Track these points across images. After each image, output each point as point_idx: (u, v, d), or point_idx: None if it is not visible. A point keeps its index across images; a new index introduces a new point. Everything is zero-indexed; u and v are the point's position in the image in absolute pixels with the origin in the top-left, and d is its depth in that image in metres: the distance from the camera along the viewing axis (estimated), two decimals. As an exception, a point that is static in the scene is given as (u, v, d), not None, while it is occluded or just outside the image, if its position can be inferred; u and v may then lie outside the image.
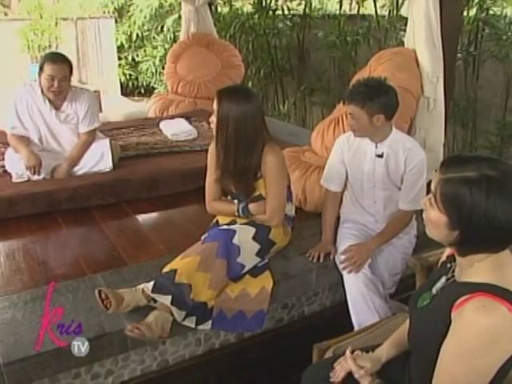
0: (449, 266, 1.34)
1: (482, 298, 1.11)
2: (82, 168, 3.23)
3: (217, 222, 2.40)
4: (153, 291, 1.92)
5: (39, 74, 3.08)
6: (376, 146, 2.25)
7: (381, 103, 2.12)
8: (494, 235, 1.12)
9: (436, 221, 1.19)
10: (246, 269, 2.15)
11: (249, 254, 2.15)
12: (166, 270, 2.03)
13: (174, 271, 1.98)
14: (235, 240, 2.10)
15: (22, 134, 3.15)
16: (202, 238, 2.17)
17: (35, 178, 3.06)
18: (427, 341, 1.26)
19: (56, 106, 3.18)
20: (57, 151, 3.27)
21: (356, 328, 2.15)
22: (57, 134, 3.24)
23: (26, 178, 3.06)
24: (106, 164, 3.25)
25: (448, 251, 1.41)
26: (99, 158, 3.25)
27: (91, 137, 3.30)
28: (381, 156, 2.24)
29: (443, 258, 1.43)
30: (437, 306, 1.27)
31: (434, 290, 1.32)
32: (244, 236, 2.15)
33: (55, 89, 3.05)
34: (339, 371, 1.53)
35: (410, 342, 1.41)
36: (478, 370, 1.14)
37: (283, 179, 2.25)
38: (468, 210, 1.11)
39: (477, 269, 1.19)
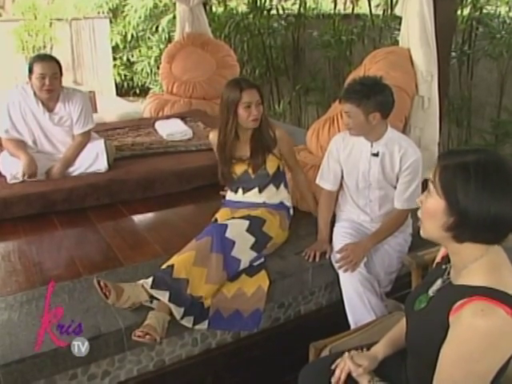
0: (444, 267, 1.34)
1: (479, 302, 1.11)
2: (77, 169, 3.22)
3: (215, 220, 2.42)
4: (152, 287, 1.93)
5: (29, 77, 3.07)
6: (371, 145, 2.26)
7: (377, 101, 2.12)
8: (490, 219, 1.12)
9: (433, 209, 1.19)
10: (243, 264, 2.16)
11: (243, 248, 2.16)
12: (163, 267, 2.05)
13: (172, 266, 2.01)
14: (228, 234, 2.12)
15: (16, 138, 3.14)
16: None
17: (30, 178, 3.05)
18: (425, 344, 1.27)
19: (49, 108, 3.16)
20: (51, 153, 3.26)
21: (352, 327, 2.15)
22: (51, 136, 3.23)
23: (21, 179, 3.05)
24: (101, 164, 3.24)
25: (442, 252, 1.41)
26: (94, 159, 3.24)
27: (86, 138, 3.29)
28: (376, 155, 2.24)
29: (438, 258, 1.44)
30: (434, 309, 1.27)
31: (430, 292, 1.33)
32: (237, 229, 2.17)
33: (47, 87, 3.03)
34: (339, 373, 1.52)
35: (407, 344, 1.42)
36: (478, 373, 1.14)
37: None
38: (465, 192, 1.12)
39: (471, 270, 1.19)
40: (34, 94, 3.10)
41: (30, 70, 3.05)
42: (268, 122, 2.44)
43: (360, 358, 1.52)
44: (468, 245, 1.18)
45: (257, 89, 2.34)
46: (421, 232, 1.27)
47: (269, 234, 2.29)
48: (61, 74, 3.14)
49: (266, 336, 2.29)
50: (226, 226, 2.17)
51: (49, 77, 3.02)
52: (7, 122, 3.11)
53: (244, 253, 2.16)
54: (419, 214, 1.27)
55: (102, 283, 1.91)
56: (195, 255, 2.05)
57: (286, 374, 2.08)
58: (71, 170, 3.22)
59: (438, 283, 1.32)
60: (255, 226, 2.24)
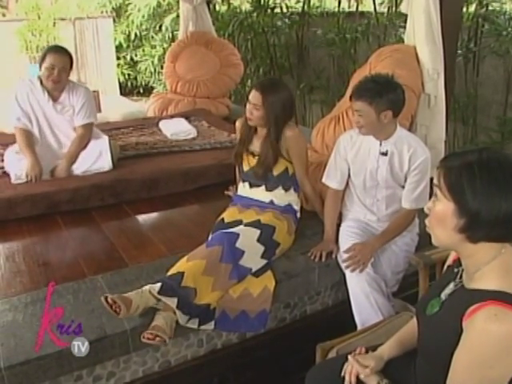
0: (456, 270, 1.32)
1: (493, 307, 1.09)
2: (80, 166, 3.22)
3: (222, 220, 2.41)
4: (159, 293, 1.91)
5: (40, 65, 3.15)
6: (380, 144, 2.24)
7: (389, 100, 2.10)
8: (503, 215, 1.10)
9: (443, 213, 1.17)
10: (253, 271, 2.16)
11: (253, 257, 2.15)
12: (172, 272, 2.03)
13: (182, 274, 1.98)
14: (238, 244, 2.11)
15: (27, 129, 3.18)
16: (208, 239, 2.20)
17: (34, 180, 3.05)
18: (438, 348, 1.25)
19: (54, 98, 3.22)
20: (54, 148, 3.28)
21: (359, 327, 2.14)
22: (53, 125, 3.26)
23: (25, 180, 3.05)
24: (105, 162, 3.24)
25: (454, 255, 1.39)
26: (97, 156, 3.24)
27: (87, 131, 3.31)
28: (385, 154, 2.22)
29: (449, 261, 1.42)
30: (447, 314, 1.25)
31: (442, 296, 1.31)
32: (248, 240, 2.16)
33: (54, 77, 3.11)
34: (349, 378, 1.50)
35: (418, 348, 1.40)
36: (492, 379, 1.12)
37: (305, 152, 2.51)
38: (472, 191, 1.11)
39: (484, 273, 1.17)
40: (41, 83, 3.18)
41: (43, 59, 3.14)
42: (277, 128, 2.36)
43: (366, 358, 1.51)
44: (483, 245, 1.16)
45: (261, 93, 2.31)
46: (433, 241, 1.25)
47: (277, 241, 2.28)
48: (71, 67, 3.23)
49: (272, 336, 2.27)
50: (238, 235, 2.14)
51: (58, 69, 3.11)
52: (18, 111, 3.18)
53: (254, 261, 2.16)
54: (427, 221, 1.24)
55: (109, 300, 1.86)
56: (205, 264, 2.03)
57: (292, 375, 2.07)
58: (75, 166, 3.22)
59: (451, 287, 1.30)
60: (266, 235, 2.23)
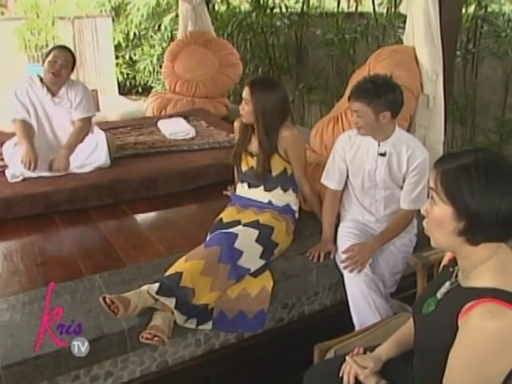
0: (451, 269, 1.32)
1: (488, 304, 1.10)
2: (77, 158, 3.21)
3: (220, 220, 2.41)
4: (158, 293, 1.90)
5: (43, 62, 3.22)
6: (379, 145, 2.23)
7: (387, 100, 2.10)
8: (502, 216, 1.10)
9: (441, 217, 1.16)
10: (252, 271, 2.16)
11: (252, 258, 2.15)
12: (171, 272, 2.03)
13: (180, 274, 1.98)
14: (237, 244, 2.11)
15: (26, 120, 3.21)
16: (207, 239, 2.19)
17: (28, 174, 3.05)
18: (434, 347, 1.25)
19: (52, 93, 3.27)
20: (52, 142, 3.30)
21: (357, 327, 2.14)
22: (51, 118, 3.30)
23: (22, 178, 3.05)
24: (102, 154, 3.25)
25: (449, 254, 1.39)
26: (94, 147, 3.26)
27: (86, 125, 3.34)
28: (383, 155, 2.22)
29: (445, 261, 1.42)
30: (443, 312, 1.25)
31: (438, 295, 1.31)
32: (247, 240, 2.16)
33: (55, 70, 3.17)
34: (347, 378, 1.50)
35: (415, 347, 1.40)
36: (488, 376, 1.13)
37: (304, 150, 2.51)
38: (471, 193, 1.10)
39: (480, 272, 1.17)
40: (40, 80, 3.24)
41: (48, 54, 3.22)
42: (267, 125, 2.35)
43: (364, 359, 1.51)
44: (481, 245, 1.16)
45: (250, 88, 2.34)
46: (432, 243, 1.24)
47: (276, 242, 2.28)
48: (72, 68, 3.31)
49: (270, 337, 2.27)
50: (236, 235, 2.14)
51: (61, 61, 3.19)
52: (17, 104, 3.23)
53: (253, 262, 2.16)
54: (425, 223, 1.24)
55: (108, 300, 1.85)
56: (204, 264, 2.02)
57: (290, 375, 2.07)
58: (72, 159, 3.21)
59: (446, 286, 1.30)
60: (264, 235, 2.23)
